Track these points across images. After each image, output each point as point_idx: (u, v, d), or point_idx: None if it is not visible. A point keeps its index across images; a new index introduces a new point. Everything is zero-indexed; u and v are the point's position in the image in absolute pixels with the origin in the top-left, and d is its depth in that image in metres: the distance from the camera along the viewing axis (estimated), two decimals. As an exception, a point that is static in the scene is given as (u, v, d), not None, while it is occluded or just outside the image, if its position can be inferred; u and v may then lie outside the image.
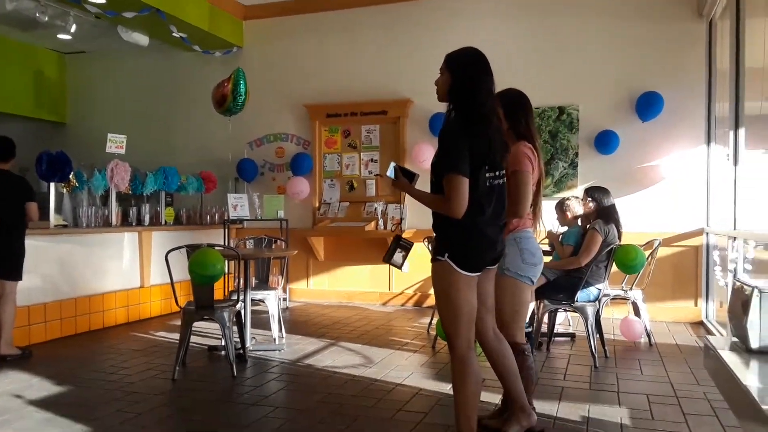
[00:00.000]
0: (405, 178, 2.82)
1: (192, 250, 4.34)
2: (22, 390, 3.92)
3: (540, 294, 4.67)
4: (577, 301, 4.59)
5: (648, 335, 5.24)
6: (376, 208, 7.21)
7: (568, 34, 6.71)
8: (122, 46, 7.67)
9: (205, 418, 3.43)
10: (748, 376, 1.77)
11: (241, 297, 4.71)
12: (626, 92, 6.47)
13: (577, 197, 5.26)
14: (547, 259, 4.77)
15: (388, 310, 6.98)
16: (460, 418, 2.64)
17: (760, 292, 1.87)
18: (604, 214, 4.85)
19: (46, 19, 6.58)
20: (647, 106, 6.31)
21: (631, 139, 6.46)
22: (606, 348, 4.80)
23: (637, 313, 5.26)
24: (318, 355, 4.89)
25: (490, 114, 2.66)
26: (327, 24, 7.65)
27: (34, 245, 5.07)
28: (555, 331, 5.23)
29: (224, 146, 7.75)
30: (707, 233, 6.25)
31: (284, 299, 7.21)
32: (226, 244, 6.73)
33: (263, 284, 5.57)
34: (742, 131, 5.07)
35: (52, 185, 5.79)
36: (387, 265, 6.96)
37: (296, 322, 6.24)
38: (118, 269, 6.20)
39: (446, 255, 2.60)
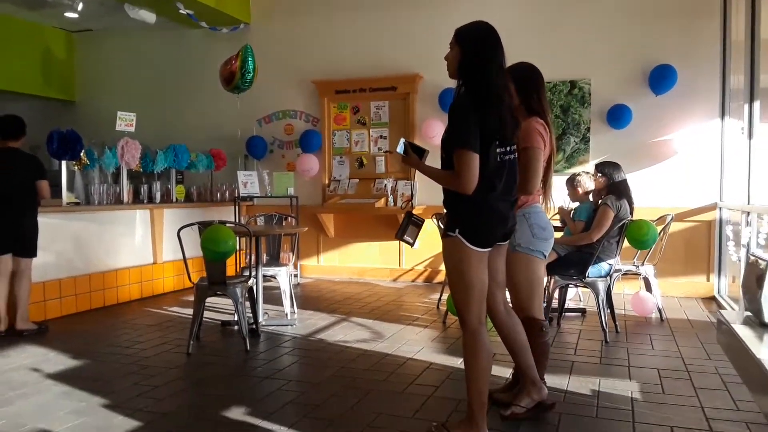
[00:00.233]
0: (415, 154, 2.78)
1: (204, 227, 4.37)
2: (39, 364, 3.99)
3: (551, 269, 4.64)
4: (588, 277, 4.59)
5: (659, 310, 5.24)
6: (385, 185, 7.20)
7: (580, 6, 6.60)
8: (129, 24, 7.61)
9: (220, 392, 3.49)
10: (762, 349, 1.78)
11: (253, 273, 4.75)
12: (639, 65, 6.38)
13: (588, 172, 5.22)
14: (558, 234, 4.76)
15: (398, 286, 7.01)
16: (471, 392, 2.66)
17: (775, 266, 1.86)
18: (616, 189, 4.82)
19: (53, -4, 6.56)
20: (660, 79, 6.22)
21: (643, 113, 6.38)
22: (617, 323, 4.81)
23: (648, 288, 5.25)
24: (329, 330, 4.93)
25: (501, 90, 2.62)
26: (335, -2, 7.56)
27: (47, 222, 5.13)
28: (566, 307, 5.24)
29: (233, 123, 7.75)
30: (720, 208, 6.20)
31: (295, 275, 7.26)
32: (237, 221, 6.77)
33: (274, 261, 5.61)
34: (757, 104, 4.99)
35: (64, 163, 5.83)
36: (397, 242, 6.99)
37: (308, 298, 6.29)
38: (131, 246, 6.26)
39: (457, 231, 2.60)
